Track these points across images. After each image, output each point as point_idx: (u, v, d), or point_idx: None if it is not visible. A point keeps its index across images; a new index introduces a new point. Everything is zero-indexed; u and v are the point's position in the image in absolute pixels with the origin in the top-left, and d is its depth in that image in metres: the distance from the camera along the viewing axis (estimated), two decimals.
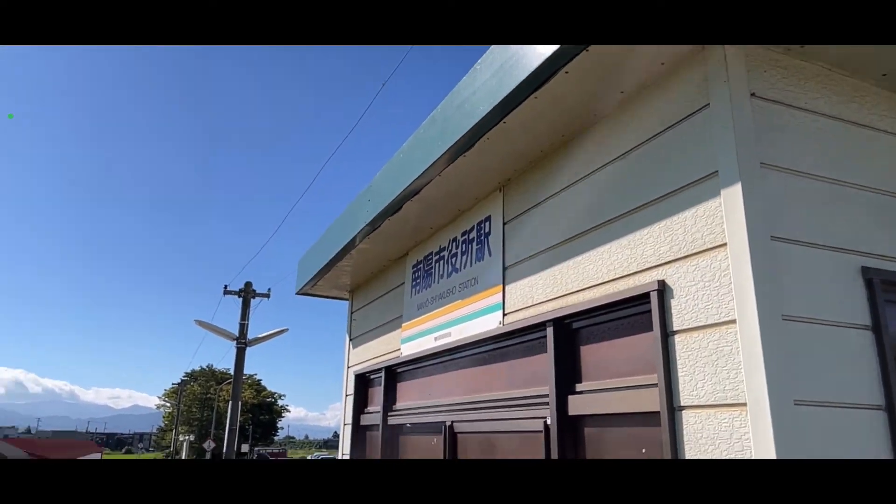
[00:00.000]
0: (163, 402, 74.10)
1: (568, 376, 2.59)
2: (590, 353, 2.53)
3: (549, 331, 2.65)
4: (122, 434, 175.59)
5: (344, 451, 5.05)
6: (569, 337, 2.63)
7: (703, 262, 2.00)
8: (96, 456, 29.74)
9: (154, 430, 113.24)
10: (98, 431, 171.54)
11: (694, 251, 2.04)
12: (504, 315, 3.03)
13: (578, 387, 2.54)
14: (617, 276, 2.34)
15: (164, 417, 76.06)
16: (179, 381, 63.11)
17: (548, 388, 2.65)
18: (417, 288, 4.12)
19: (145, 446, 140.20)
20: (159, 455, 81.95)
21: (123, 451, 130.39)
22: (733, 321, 1.86)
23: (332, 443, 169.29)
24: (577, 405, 2.51)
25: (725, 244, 1.92)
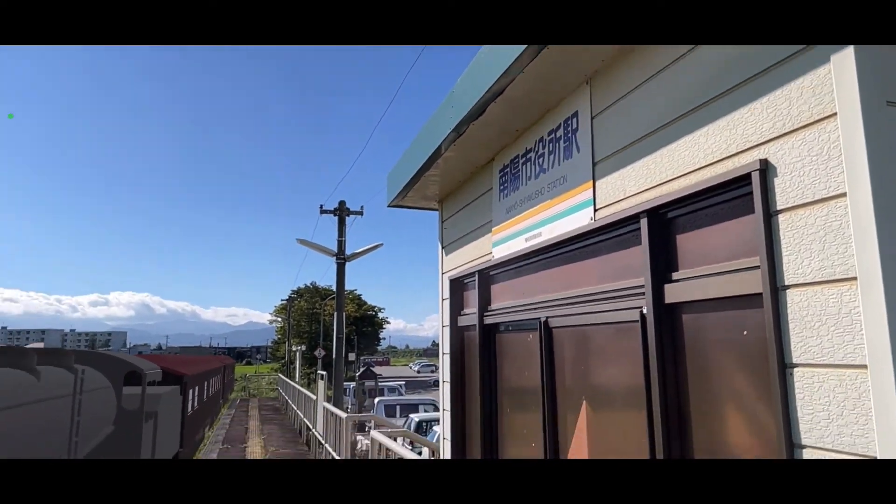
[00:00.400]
0: (274, 318, 79.49)
1: (663, 266, 2.56)
2: (686, 241, 2.48)
3: (643, 222, 2.61)
4: (241, 348, 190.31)
5: (444, 349, 5.29)
6: (664, 226, 2.57)
7: (811, 135, 1.88)
8: (224, 365, 32.35)
9: (269, 344, 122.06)
10: (219, 346, 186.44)
11: (800, 125, 1.91)
12: (595, 210, 2.99)
13: (675, 275, 2.51)
14: (714, 159, 2.24)
15: (276, 331, 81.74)
16: (287, 297, 66.95)
17: (643, 279, 2.63)
18: (505, 192, 4.12)
19: (262, 358, 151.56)
20: (276, 366, 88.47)
21: (244, 362, 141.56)
22: (843, 195, 1.75)
23: (431, 351, 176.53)
24: (674, 293, 2.49)
25: (835, 114, 1.79)
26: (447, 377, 5.24)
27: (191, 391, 17.51)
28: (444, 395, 5.37)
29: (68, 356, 8.44)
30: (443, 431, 5.60)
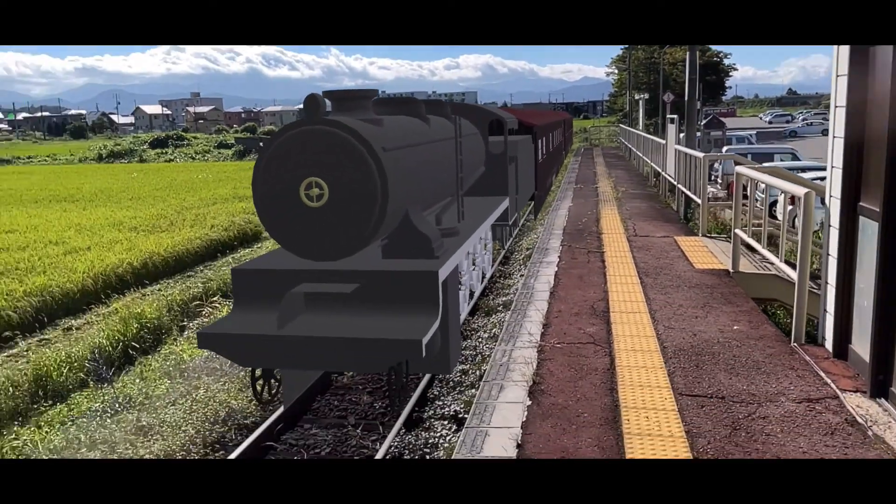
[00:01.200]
0: (610, 70, 78.21)
1: None
2: None
3: None
4: (577, 103, 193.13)
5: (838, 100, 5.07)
6: None
7: None
8: (560, 119, 33.57)
9: (605, 98, 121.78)
10: (557, 102, 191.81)
11: None
12: None
13: None
14: None
15: (613, 84, 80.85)
16: (625, 47, 64.85)
17: None
18: None
19: (600, 111, 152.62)
20: (612, 119, 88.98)
21: (581, 116, 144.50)
22: None
23: (786, 100, 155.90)
24: None
25: None
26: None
27: (540, 140, 18.75)
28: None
29: (445, 107, 9.75)
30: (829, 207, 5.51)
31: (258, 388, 6.17)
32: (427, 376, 7.40)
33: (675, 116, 17.54)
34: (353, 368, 6.55)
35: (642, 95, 37.45)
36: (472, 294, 9.25)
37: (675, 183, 15.41)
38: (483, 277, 10.32)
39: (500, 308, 9.63)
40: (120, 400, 7.64)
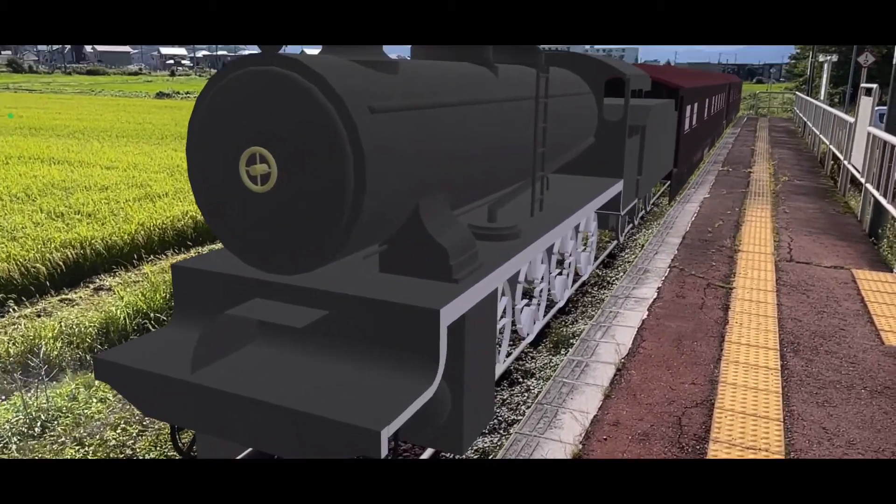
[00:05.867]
0: None
1: None
2: None
3: None
4: (751, 65, 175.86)
5: None
6: None
7: None
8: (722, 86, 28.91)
9: (786, 60, 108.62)
10: (728, 63, 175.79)
11: None
12: None
13: None
14: None
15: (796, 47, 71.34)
16: None
17: None
18: None
19: (777, 75, 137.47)
20: (790, 85, 79.08)
21: (754, 80, 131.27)
22: None
23: None
24: None
25: None
26: None
27: (688, 107, 15.13)
28: None
29: (535, 54, 6.88)
30: None
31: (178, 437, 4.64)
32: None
33: (875, 87, 12.66)
34: (286, 453, 4.05)
35: (828, 57, 30.51)
36: (552, 304, 7.63)
37: (863, 180, 10.92)
38: (573, 282, 8.51)
39: (540, 372, 6.42)
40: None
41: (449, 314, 4.10)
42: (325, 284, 4.33)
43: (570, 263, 7.86)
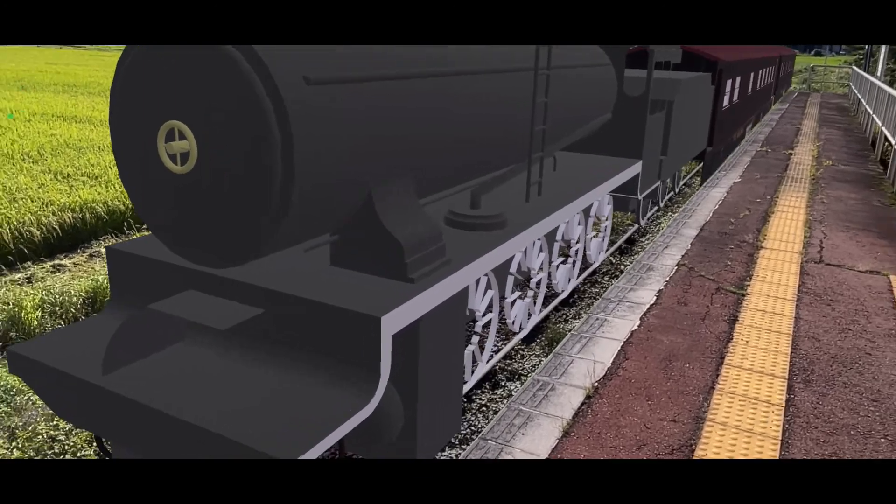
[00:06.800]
0: None
1: None
2: None
3: None
4: None
5: None
6: None
7: None
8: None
9: None
10: None
11: None
12: None
13: None
14: None
15: None
16: None
17: None
18: None
19: (835, 48, 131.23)
20: (849, 59, 75.06)
21: (812, 52, 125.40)
22: None
23: None
24: None
25: None
26: None
27: (728, 81, 14.09)
28: None
29: None
30: None
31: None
32: None
33: None
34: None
35: None
36: (553, 295, 7.26)
37: None
38: (581, 270, 8.06)
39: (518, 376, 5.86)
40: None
41: (395, 321, 3.60)
42: (262, 279, 3.89)
43: (577, 251, 7.28)
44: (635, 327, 5.29)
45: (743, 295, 6.07)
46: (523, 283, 6.47)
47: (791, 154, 14.72)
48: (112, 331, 4.04)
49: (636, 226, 10.19)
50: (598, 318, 5.47)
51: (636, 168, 8.11)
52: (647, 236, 9.91)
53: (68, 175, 12.13)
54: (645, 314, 5.56)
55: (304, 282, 3.84)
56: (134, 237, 10.20)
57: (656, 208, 11.16)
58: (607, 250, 8.93)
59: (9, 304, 7.31)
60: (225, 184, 3.37)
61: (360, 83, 3.68)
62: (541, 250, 6.06)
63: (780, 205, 9.80)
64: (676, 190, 12.68)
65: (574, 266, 7.28)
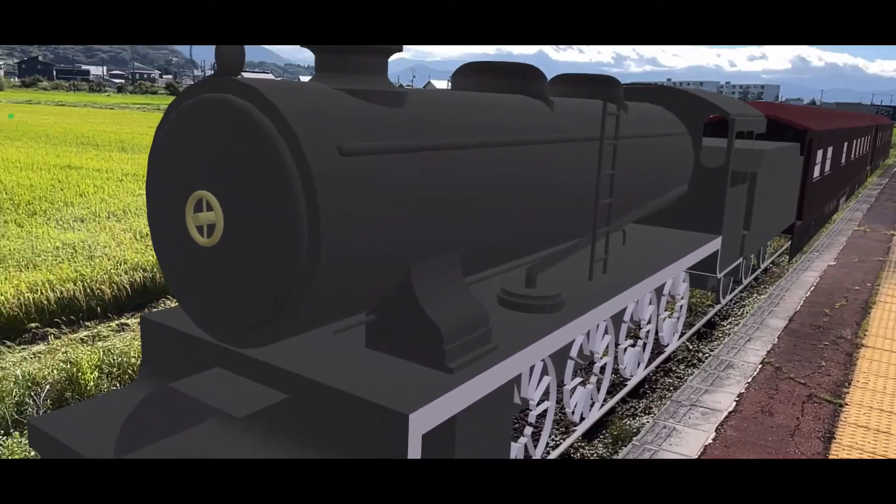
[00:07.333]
0: None
1: None
2: None
3: None
4: None
5: None
6: None
7: None
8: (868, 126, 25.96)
9: None
10: (882, 105, 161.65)
11: None
12: None
13: None
14: None
15: None
16: None
17: None
18: None
19: None
20: None
21: None
22: None
23: None
24: None
25: None
26: None
27: (818, 151, 13.23)
28: None
29: (614, 87, 5.92)
30: None
31: None
32: None
33: None
34: None
35: None
36: (622, 383, 6.70)
37: None
38: (653, 355, 7.40)
39: None
40: None
41: (427, 418, 3.24)
42: (288, 361, 3.64)
43: (647, 333, 6.66)
44: (709, 441, 4.59)
45: (841, 405, 5.23)
46: (586, 367, 5.92)
47: (894, 235, 13.48)
48: (133, 403, 3.90)
49: (716, 307, 9.40)
50: (665, 427, 4.80)
51: (715, 244, 7.53)
52: (730, 320, 9.09)
53: (146, 234, 12.56)
54: (721, 424, 4.83)
55: (331, 366, 3.62)
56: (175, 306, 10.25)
57: (740, 287, 10.32)
58: (683, 334, 8.21)
59: (68, 364, 7.36)
60: (249, 258, 3.18)
61: (400, 153, 3.42)
62: (606, 332, 5.53)
63: (882, 294, 8.77)
64: (762, 267, 11.77)
65: (644, 349, 6.66)
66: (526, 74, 5.01)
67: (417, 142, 3.55)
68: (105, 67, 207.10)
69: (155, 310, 10.19)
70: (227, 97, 3.14)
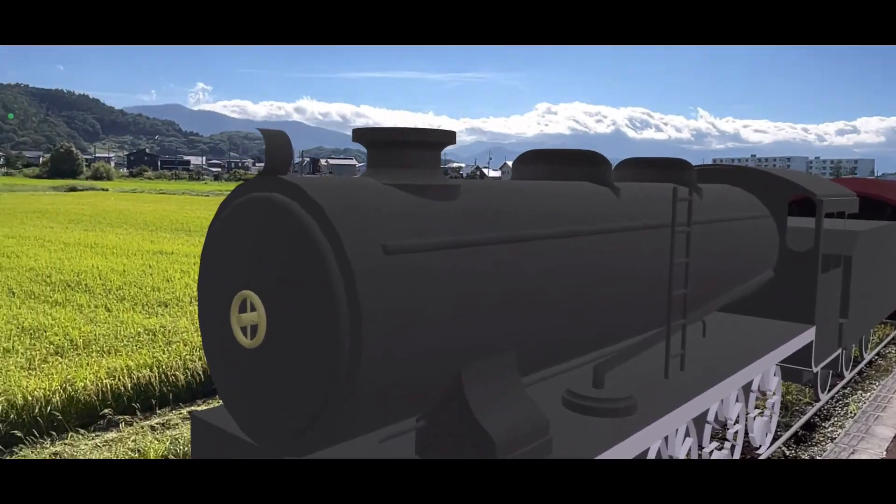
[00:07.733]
0: None
1: None
2: None
3: None
4: None
5: None
6: None
7: None
8: None
9: None
10: None
11: None
12: None
13: None
14: None
15: None
16: None
17: None
18: None
19: None
20: None
21: None
22: None
23: None
24: None
25: None
26: None
27: None
28: None
29: (687, 171, 5.66)
30: None
31: None
32: None
33: None
34: None
35: None
36: None
37: None
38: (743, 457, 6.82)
39: None
40: None
41: None
42: None
43: (735, 434, 6.03)
44: None
45: None
46: None
47: None
48: None
49: (816, 405, 8.51)
50: None
51: (809, 335, 6.88)
52: (832, 420, 8.17)
53: None
54: None
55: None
56: None
57: (841, 384, 9.37)
58: (778, 435, 7.42)
59: (136, 454, 7.39)
60: (291, 361, 3.06)
61: (449, 250, 3.26)
62: (687, 434, 5.03)
63: None
64: (866, 360, 10.72)
65: (733, 452, 6.02)
66: (589, 160, 4.85)
67: (468, 236, 3.40)
68: (204, 157, 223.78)
69: None
70: (273, 196, 3.12)
